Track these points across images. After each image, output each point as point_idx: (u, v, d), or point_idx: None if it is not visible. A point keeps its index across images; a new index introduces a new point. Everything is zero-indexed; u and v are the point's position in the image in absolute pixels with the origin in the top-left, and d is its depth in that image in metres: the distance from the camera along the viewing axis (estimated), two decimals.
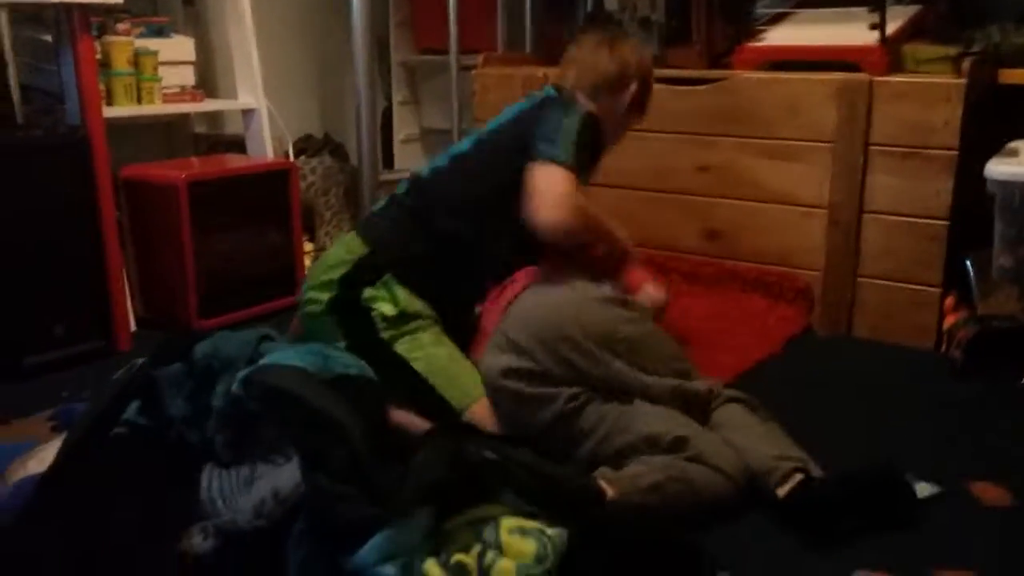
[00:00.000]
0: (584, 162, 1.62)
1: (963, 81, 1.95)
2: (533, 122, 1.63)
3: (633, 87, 1.75)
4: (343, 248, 1.63)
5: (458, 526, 1.10)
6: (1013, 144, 1.69)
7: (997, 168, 1.50)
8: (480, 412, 1.48)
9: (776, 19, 2.42)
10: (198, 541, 1.16)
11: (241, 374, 1.23)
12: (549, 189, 1.55)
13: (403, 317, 1.55)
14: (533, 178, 1.56)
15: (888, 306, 2.10)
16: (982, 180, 1.52)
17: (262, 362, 1.26)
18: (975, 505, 1.38)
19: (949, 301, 2.03)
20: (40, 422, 1.60)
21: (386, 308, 1.55)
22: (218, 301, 2.21)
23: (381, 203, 1.75)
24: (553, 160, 1.55)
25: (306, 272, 1.71)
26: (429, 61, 3.17)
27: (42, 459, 1.27)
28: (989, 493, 1.40)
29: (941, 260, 2.03)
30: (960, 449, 1.57)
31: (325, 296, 1.59)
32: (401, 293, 1.56)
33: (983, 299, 2.05)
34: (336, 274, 1.59)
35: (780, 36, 2.34)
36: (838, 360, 2.02)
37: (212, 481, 1.21)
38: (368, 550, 1.05)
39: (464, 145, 1.74)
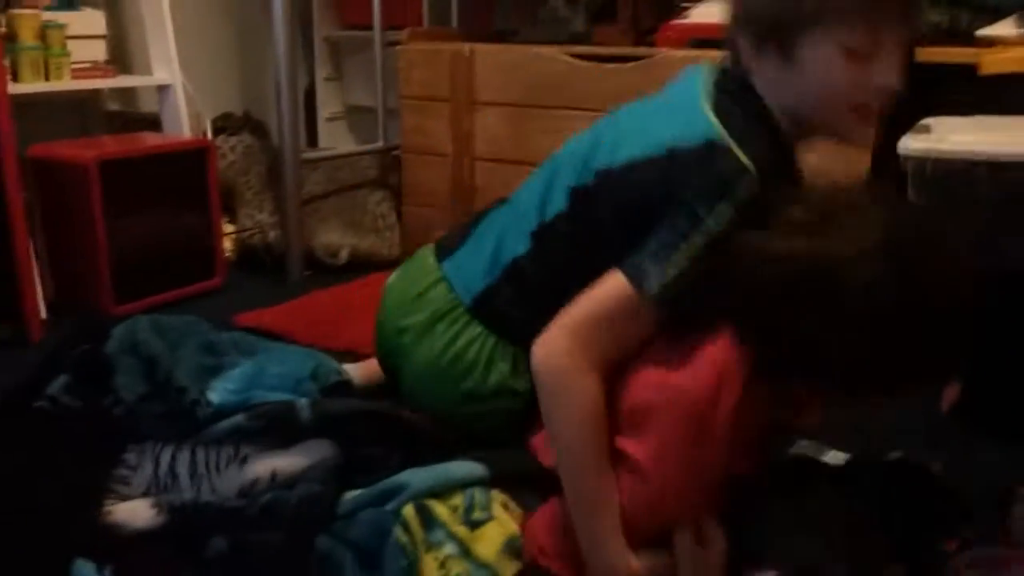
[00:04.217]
0: (689, 281, 1.02)
1: None
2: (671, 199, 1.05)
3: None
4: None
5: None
6: (925, 121, 1.72)
7: (910, 144, 1.53)
8: None
9: None
10: (147, 515, 1.12)
11: (306, 400, 1.18)
12: (588, 311, 1.04)
13: None
14: (592, 288, 1.05)
15: None
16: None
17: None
18: None
19: None
20: None
21: None
22: (133, 285, 2.13)
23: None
24: (634, 280, 1.03)
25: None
26: (353, 37, 3.10)
27: None
28: None
29: None
30: (879, 421, 1.61)
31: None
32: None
33: None
34: None
35: (703, 14, 2.34)
36: None
37: (174, 457, 1.16)
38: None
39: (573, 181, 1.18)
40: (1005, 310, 1.50)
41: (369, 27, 2.79)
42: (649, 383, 1.02)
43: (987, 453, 1.48)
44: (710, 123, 1.07)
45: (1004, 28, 1.86)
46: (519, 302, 1.20)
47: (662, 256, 1.03)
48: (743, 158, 1.03)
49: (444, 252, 1.32)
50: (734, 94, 1.12)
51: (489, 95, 2.43)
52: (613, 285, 1.04)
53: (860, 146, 1.08)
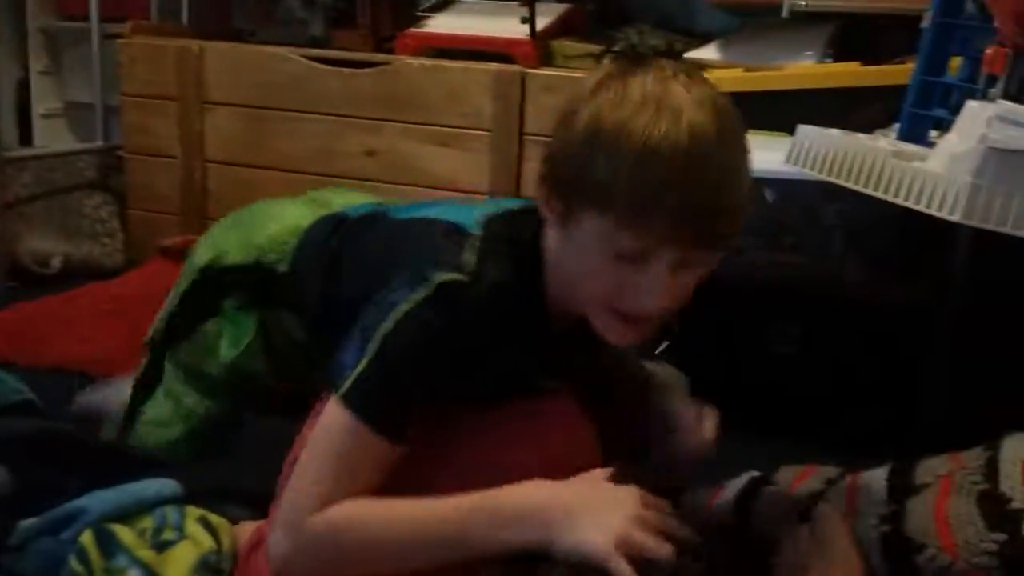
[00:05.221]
0: (400, 399, 0.86)
1: None
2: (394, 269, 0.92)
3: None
4: None
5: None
6: None
7: None
8: None
9: (439, 7, 2.45)
10: None
11: None
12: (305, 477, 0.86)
13: None
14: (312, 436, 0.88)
15: None
16: None
17: None
18: None
19: None
20: None
21: None
22: None
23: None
24: (341, 402, 0.84)
25: None
26: (72, 28, 2.86)
27: None
28: None
29: None
30: None
31: None
32: None
33: None
34: None
35: (442, 24, 2.37)
36: None
37: None
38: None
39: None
40: None
41: (88, 18, 2.58)
42: None
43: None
44: (482, 213, 0.98)
45: (709, 52, 2.01)
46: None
47: (363, 352, 0.86)
48: (472, 255, 0.91)
49: None
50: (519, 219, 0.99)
51: (221, 95, 2.32)
52: (326, 417, 0.86)
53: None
